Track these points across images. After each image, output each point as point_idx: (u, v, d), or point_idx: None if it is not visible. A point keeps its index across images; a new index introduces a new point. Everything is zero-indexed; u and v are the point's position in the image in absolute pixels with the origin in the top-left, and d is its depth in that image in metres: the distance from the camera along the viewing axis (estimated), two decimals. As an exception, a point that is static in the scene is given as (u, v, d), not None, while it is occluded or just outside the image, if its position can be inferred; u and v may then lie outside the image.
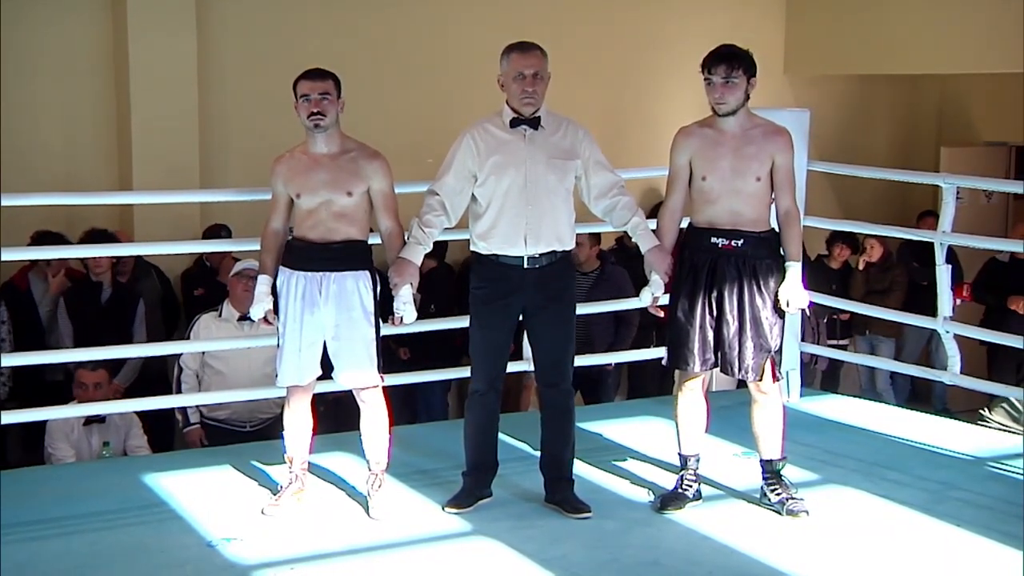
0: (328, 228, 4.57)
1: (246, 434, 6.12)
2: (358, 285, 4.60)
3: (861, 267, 9.09)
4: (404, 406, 7.31)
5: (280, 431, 5.83)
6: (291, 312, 4.61)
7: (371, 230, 4.75)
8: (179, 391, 6.18)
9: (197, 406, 6.15)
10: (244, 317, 6.08)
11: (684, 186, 4.72)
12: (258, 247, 4.79)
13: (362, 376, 4.65)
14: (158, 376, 7.00)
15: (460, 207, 4.66)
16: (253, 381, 5.97)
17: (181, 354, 6.21)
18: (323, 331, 4.61)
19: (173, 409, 6.20)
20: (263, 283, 4.66)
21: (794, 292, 4.63)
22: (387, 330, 4.79)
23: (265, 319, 4.67)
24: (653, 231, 4.76)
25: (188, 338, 6.25)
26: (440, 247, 7.95)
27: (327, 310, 4.58)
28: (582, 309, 4.99)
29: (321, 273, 4.57)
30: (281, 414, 6.11)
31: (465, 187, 4.63)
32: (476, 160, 4.59)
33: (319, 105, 4.52)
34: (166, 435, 6.68)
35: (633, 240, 4.78)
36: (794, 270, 4.64)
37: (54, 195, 6.48)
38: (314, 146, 4.60)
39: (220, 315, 6.21)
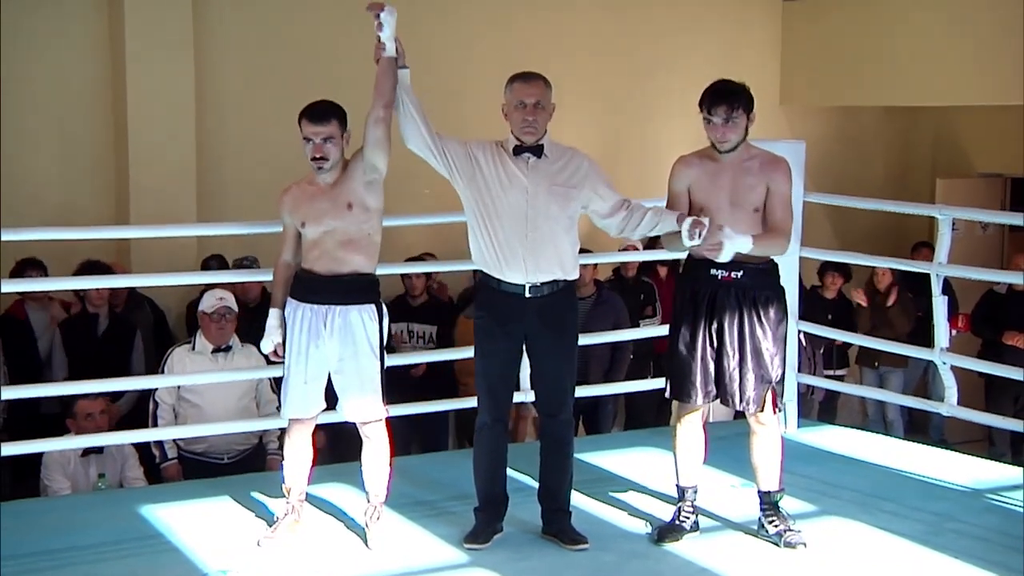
0: (334, 258, 4.57)
1: (224, 466, 6.10)
2: (363, 318, 4.60)
3: (858, 299, 9.07)
4: (410, 434, 7.32)
5: (259, 462, 5.84)
6: (296, 344, 4.62)
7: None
8: (155, 426, 6.14)
9: (175, 441, 6.12)
10: (218, 349, 6.10)
11: (685, 209, 4.69)
12: (255, 278, 4.81)
13: (366, 409, 4.65)
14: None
15: (441, 146, 4.61)
16: (229, 414, 6.00)
17: (155, 389, 6.17)
18: (327, 364, 4.62)
19: (149, 444, 6.17)
20: (274, 316, 4.68)
21: (728, 241, 4.50)
22: (392, 360, 4.79)
23: (274, 352, 4.69)
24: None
25: (162, 372, 6.20)
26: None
27: (331, 343, 4.58)
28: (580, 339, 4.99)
29: (326, 306, 4.58)
30: (259, 444, 6.18)
31: (459, 154, 4.60)
32: (471, 163, 4.59)
33: (321, 150, 4.54)
34: (159, 467, 6.65)
35: (658, 224, 4.67)
36: (743, 241, 4.51)
37: (53, 230, 6.49)
38: (319, 177, 4.63)
39: (193, 348, 6.18)
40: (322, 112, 4.57)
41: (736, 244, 4.51)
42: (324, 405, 4.72)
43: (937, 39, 9.69)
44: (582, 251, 4.88)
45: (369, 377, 4.62)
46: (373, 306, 4.64)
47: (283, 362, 4.73)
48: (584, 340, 5.20)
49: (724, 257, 4.52)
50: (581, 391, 5.13)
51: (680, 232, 4.57)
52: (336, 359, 4.61)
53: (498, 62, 5.88)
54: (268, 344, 4.70)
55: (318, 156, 4.55)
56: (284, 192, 4.71)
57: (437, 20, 8.99)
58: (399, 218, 5.96)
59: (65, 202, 7.82)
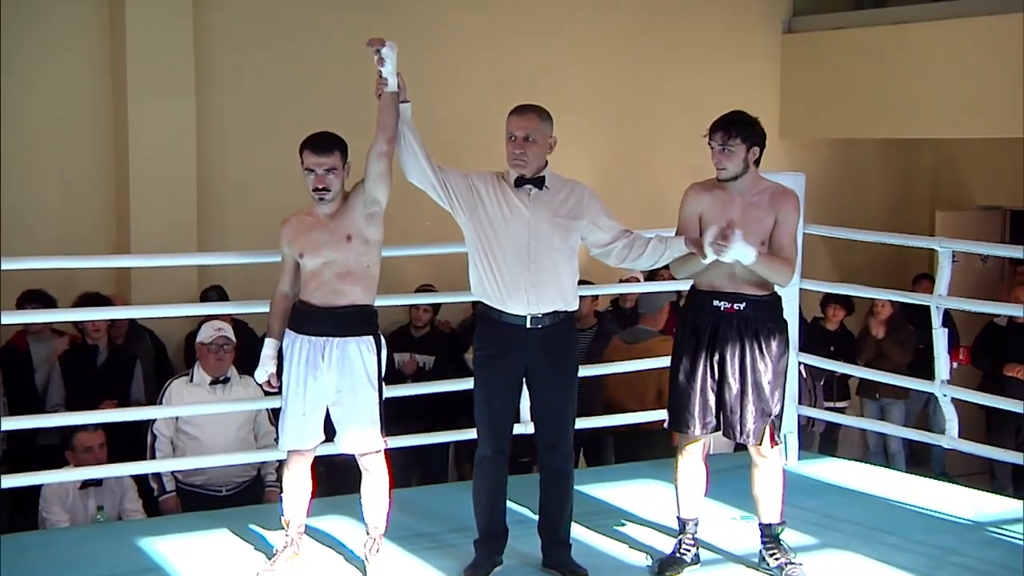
0: (332, 290, 4.57)
1: (222, 498, 6.09)
2: (361, 350, 4.60)
3: (876, 331, 9.04)
4: (410, 466, 7.30)
5: (257, 494, 5.80)
6: (294, 376, 4.61)
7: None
8: (153, 459, 6.12)
9: (172, 473, 6.11)
10: (216, 381, 6.09)
11: (695, 235, 4.69)
12: (255, 309, 4.82)
13: (365, 441, 4.64)
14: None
15: (442, 178, 4.61)
16: (228, 445, 5.99)
17: (154, 421, 6.16)
18: (325, 396, 4.61)
19: (147, 477, 6.15)
20: (270, 346, 4.69)
21: (738, 242, 4.45)
22: (392, 391, 4.79)
23: (268, 382, 4.70)
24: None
25: (160, 404, 6.19)
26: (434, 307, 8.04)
27: (329, 375, 4.58)
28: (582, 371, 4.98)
29: (324, 338, 4.57)
30: (257, 476, 6.16)
31: (460, 186, 4.60)
32: (472, 195, 4.59)
33: (323, 181, 4.54)
34: (158, 499, 6.63)
35: (666, 251, 4.67)
36: (749, 251, 4.46)
37: (52, 259, 6.49)
38: (318, 208, 4.63)
39: (191, 380, 6.18)
40: (325, 143, 4.58)
41: (743, 251, 4.45)
42: (323, 437, 4.70)
43: (936, 72, 9.73)
44: (581, 282, 4.88)
45: (367, 409, 4.61)
46: (371, 338, 4.64)
47: (278, 393, 4.72)
48: (585, 372, 5.19)
49: (729, 256, 4.47)
50: (582, 423, 5.12)
51: (692, 253, 4.57)
52: (334, 391, 4.60)
53: (494, 90, 5.92)
54: (262, 374, 4.70)
55: (320, 187, 4.55)
56: (284, 223, 4.72)
57: (433, 48, 9.02)
58: (400, 248, 5.96)
59: (65, 234, 7.82)
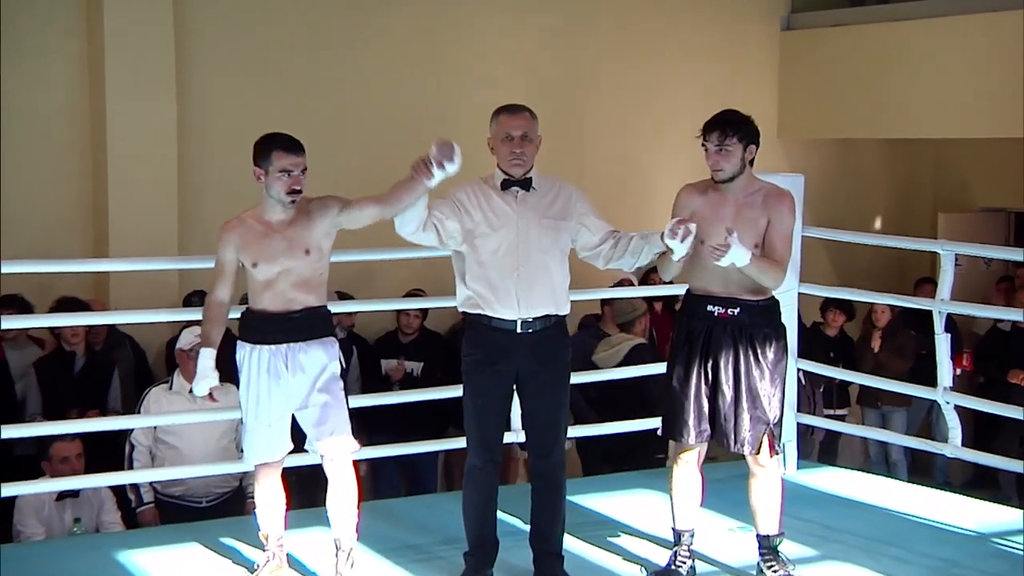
0: (288, 298, 4.53)
1: (203, 510, 6.07)
2: (324, 351, 4.59)
3: (875, 344, 9.04)
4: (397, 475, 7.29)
5: (239, 505, 5.76)
6: (255, 388, 4.56)
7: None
8: (131, 469, 6.09)
9: (151, 484, 6.08)
10: None
11: None
12: (238, 315, 4.75)
13: (340, 443, 4.61)
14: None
15: (436, 220, 4.60)
16: (209, 455, 5.97)
17: (131, 431, 6.12)
18: (291, 403, 4.58)
19: (124, 488, 6.12)
20: (207, 356, 4.54)
21: (735, 245, 4.43)
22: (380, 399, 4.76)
23: (210, 395, 4.59)
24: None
25: (138, 413, 6.16)
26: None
27: (294, 381, 4.55)
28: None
29: (286, 345, 4.54)
30: (239, 487, 6.13)
31: (450, 215, 4.58)
32: (460, 215, 4.59)
33: (300, 182, 4.50)
34: (136, 511, 6.61)
35: (645, 247, 4.66)
36: (744, 254, 4.44)
37: (28, 263, 6.46)
38: (271, 213, 4.55)
39: (171, 388, 6.15)
40: (297, 143, 4.54)
41: (738, 254, 4.44)
42: (291, 446, 4.67)
43: (939, 70, 9.74)
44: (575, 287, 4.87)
45: (339, 410, 4.59)
46: (332, 338, 4.64)
47: (216, 402, 4.67)
48: (582, 378, 5.19)
49: (726, 261, 4.45)
50: (575, 431, 5.11)
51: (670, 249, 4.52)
52: (300, 396, 4.57)
53: (485, 90, 5.92)
54: (203, 387, 4.54)
55: (297, 189, 4.50)
56: (226, 227, 4.59)
57: (422, 48, 9.02)
58: (388, 252, 5.95)
59: (42, 237, 7.78)
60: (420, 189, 4.51)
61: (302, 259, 4.53)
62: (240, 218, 4.61)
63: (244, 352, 4.59)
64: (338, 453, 4.62)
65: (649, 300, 8.48)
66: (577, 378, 6.15)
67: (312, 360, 4.57)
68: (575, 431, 6.35)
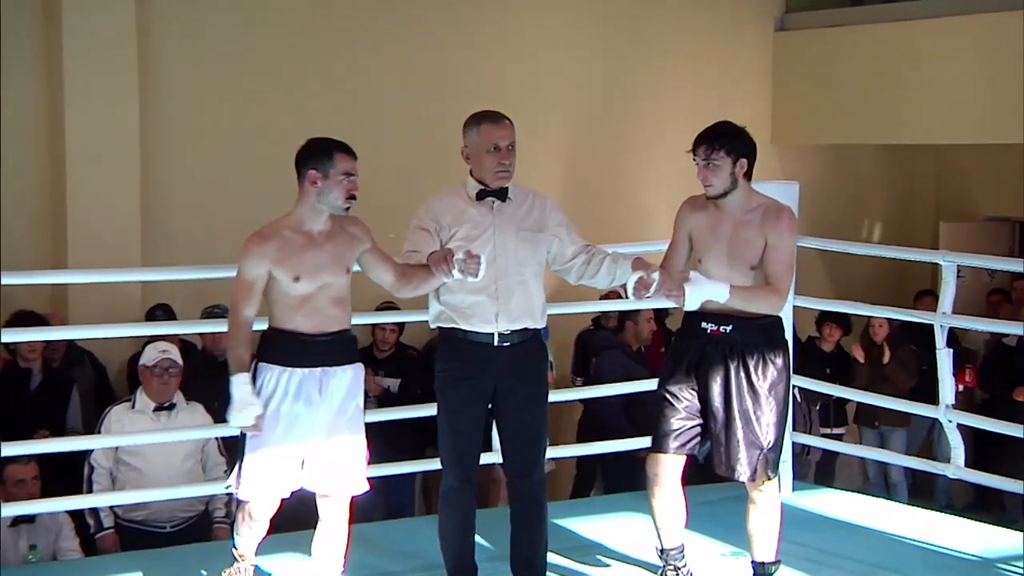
0: (326, 316, 4.44)
1: (167, 535, 6.00)
2: (355, 379, 4.52)
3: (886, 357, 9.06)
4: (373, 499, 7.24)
5: (204, 531, 5.66)
6: (280, 414, 4.40)
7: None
8: (90, 492, 6.01)
9: (112, 508, 6.01)
10: (160, 407, 6.02)
11: (684, 255, 4.72)
12: (204, 329, 4.71)
13: (356, 482, 4.53)
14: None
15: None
16: (173, 477, 5.91)
17: (91, 451, 6.04)
18: (316, 433, 4.43)
19: (83, 513, 6.05)
20: (244, 382, 4.36)
21: (691, 287, 4.44)
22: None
23: (255, 424, 4.38)
24: None
25: (99, 432, 6.08)
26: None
27: (324, 408, 4.43)
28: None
29: (321, 368, 4.43)
30: (205, 511, 6.08)
31: (431, 245, 4.58)
32: (437, 239, 4.59)
33: (357, 186, 4.44)
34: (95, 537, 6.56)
35: (616, 272, 4.68)
36: (715, 289, 4.47)
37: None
38: (312, 223, 4.46)
39: (133, 406, 6.08)
40: (351, 148, 4.47)
41: (705, 291, 4.43)
42: (294, 488, 4.53)
43: (939, 72, 9.74)
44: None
45: (359, 445, 4.53)
46: (361, 364, 4.59)
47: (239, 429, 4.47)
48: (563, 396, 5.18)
49: (689, 305, 4.45)
50: (562, 451, 5.10)
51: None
52: (327, 426, 4.44)
53: (472, 96, 5.90)
54: (247, 416, 4.33)
55: (355, 194, 4.43)
56: (261, 239, 4.40)
57: (393, 51, 9.02)
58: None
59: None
60: (436, 284, 4.56)
61: (341, 276, 4.47)
62: (273, 228, 4.44)
63: (271, 375, 4.41)
64: (353, 493, 4.54)
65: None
66: (558, 395, 6.18)
67: (342, 386, 4.47)
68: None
